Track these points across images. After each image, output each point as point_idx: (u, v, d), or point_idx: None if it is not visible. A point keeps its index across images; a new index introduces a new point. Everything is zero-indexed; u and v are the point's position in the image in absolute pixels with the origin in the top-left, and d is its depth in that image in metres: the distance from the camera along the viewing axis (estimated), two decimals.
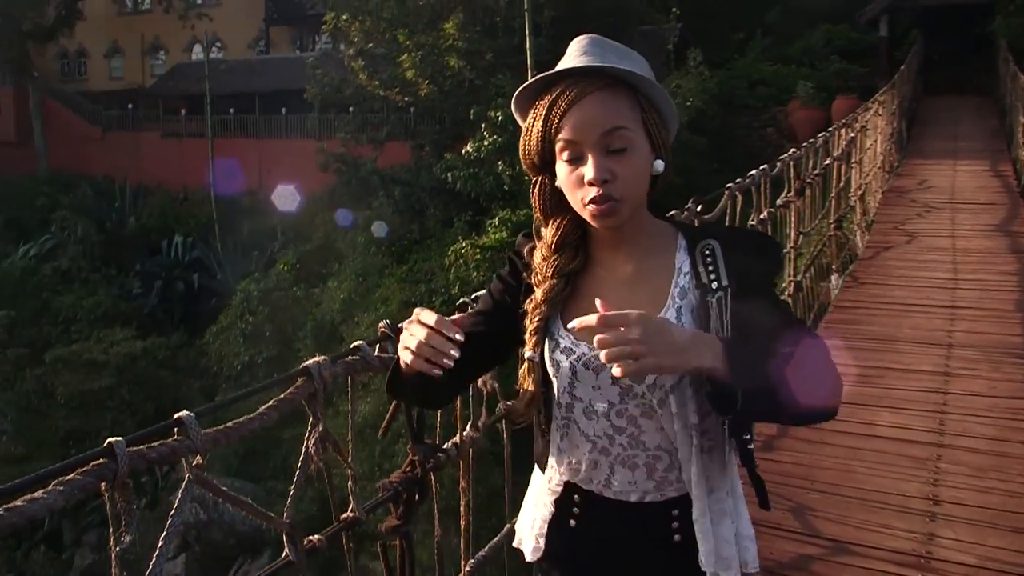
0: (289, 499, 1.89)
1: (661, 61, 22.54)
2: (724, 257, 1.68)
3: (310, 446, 1.86)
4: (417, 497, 2.24)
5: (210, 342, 22.03)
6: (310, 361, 1.86)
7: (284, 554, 1.91)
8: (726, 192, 5.17)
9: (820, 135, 8.50)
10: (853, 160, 10.26)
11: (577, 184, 1.63)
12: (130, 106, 36.55)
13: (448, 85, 22.46)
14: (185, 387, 22.17)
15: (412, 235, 21.24)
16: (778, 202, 6.53)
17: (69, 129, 36.89)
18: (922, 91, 22.67)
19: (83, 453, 1.46)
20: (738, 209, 5.27)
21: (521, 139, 1.70)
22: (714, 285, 1.65)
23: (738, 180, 5.40)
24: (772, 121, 22.47)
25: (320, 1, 24.78)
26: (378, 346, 2.09)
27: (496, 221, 18.20)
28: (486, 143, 19.64)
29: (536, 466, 1.91)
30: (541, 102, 1.65)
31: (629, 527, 1.75)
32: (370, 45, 23.96)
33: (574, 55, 1.66)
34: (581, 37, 1.71)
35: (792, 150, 7.02)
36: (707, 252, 1.69)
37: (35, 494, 1.32)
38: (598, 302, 1.43)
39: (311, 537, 1.95)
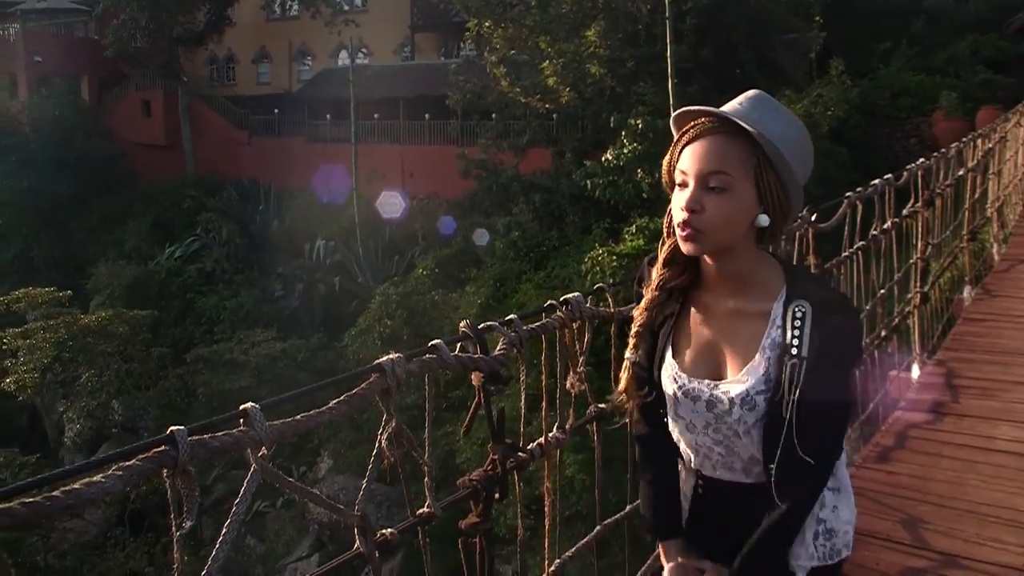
0: (361, 492, 1.90)
1: (803, 70, 22.02)
2: (812, 325, 1.83)
3: (382, 442, 1.87)
4: (497, 495, 2.24)
5: (348, 344, 22.16)
6: (384, 358, 1.86)
7: (355, 546, 1.91)
8: (845, 201, 4.96)
9: (953, 145, 8.18)
10: (991, 171, 9.99)
11: (676, 208, 1.85)
12: (276, 111, 37.35)
13: (589, 92, 22.46)
14: (323, 389, 22.33)
15: (551, 241, 21.29)
16: (904, 212, 6.34)
17: (216, 133, 37.94)
18: None
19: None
20: (858, 219, 5.10)
21: (664, 162, 1.94)
22: (794, 351, 1.82)
23: (859, 189, 5.17)
24: (915, 132, 21.77)
25: (464, 8, 24.86)
26: (458, 346, 2.08)
27: (634, 229, 18.14)
28: (626, 151, 19.66)
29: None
30: (679, 135, 1.89)
31: (742, 500, 1.99)
32: (512, 52, 24.11)
33: (731, 103, 1.87)
34: (750, 93, 1.91)
35: (920, 160, 6.76)
36: (798, 314, 1.84)
37: (94, 478, 1.34)
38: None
39: (383, 531, 1.94)
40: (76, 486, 1.32)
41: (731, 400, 1.88)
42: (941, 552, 3.71)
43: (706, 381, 1.93)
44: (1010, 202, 11.15)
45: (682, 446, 2.07)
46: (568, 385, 2.55)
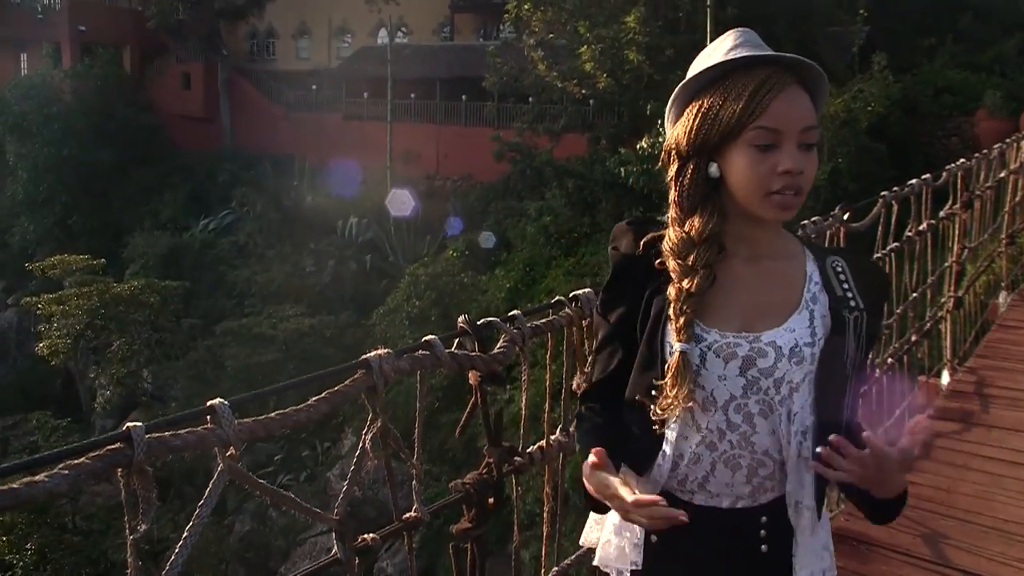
0: (341, 495, 1.81)
1: (845, 64, 21.76)
2: (855, 279, 1.76)
3: (366, 442, 1.76)
4: (492, 501, 2.13)
5: (376, 323, 22.23)
6: (372, 353, 1.74)
7: (333, 551, 1.85)
8: (880, 200, 4.85)
9: (995, 146, 7.98)
10: None
11: (767, 173, 1.62)
12: (314, 87, 37.34)
13: (627, 79, 22.38)
14: None
15: (582, 228, 21.27)
16: (941, 214, 6.18)
17: (254, 107, 37.98)
18: None
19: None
20: (893, 219, 4.98)
21: (694, 120, 1.68)
22: (852, 303, 1.73)
23: (894, 189, 5.07)
24: (956, 130, 21.38)
25: None
26: (456, 342, 1.97)
27: (666, 219, 17.75)
28: (662, 139, 19.02)
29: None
30: (736, 84, 1.64)
31: (716, 536, 1.76)
32: (551, 36, 24.01)
33: (748, 46, 1.67)
34: (740, 30, 1.72)
35: (960, 160, 6.59)
36: (838, 268, 1.77)
37: (37, 477, 1.27)
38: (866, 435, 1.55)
39: (365, 536, 1.87)
40: (15, 486, 1.26)
41: (779, 351, 1.68)
42: (963, 570, 3.61)
43: (744, 334, 1.70)
44: None
45: (666, 449, 1.76)
46: (575, 386, 2.42)
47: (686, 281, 1.69)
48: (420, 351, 1.87)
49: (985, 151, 7.62)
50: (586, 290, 2.37)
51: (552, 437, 2.45)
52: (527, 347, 2.16)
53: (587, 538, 2.03)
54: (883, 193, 4.94)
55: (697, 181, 1.70)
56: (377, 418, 1.78)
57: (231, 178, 33.36)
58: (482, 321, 2.03)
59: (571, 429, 2.40)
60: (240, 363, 22.08)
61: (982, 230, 7.62)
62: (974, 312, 7.30)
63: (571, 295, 2.33)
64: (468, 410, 2.11)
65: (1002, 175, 8.03)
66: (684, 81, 1.70)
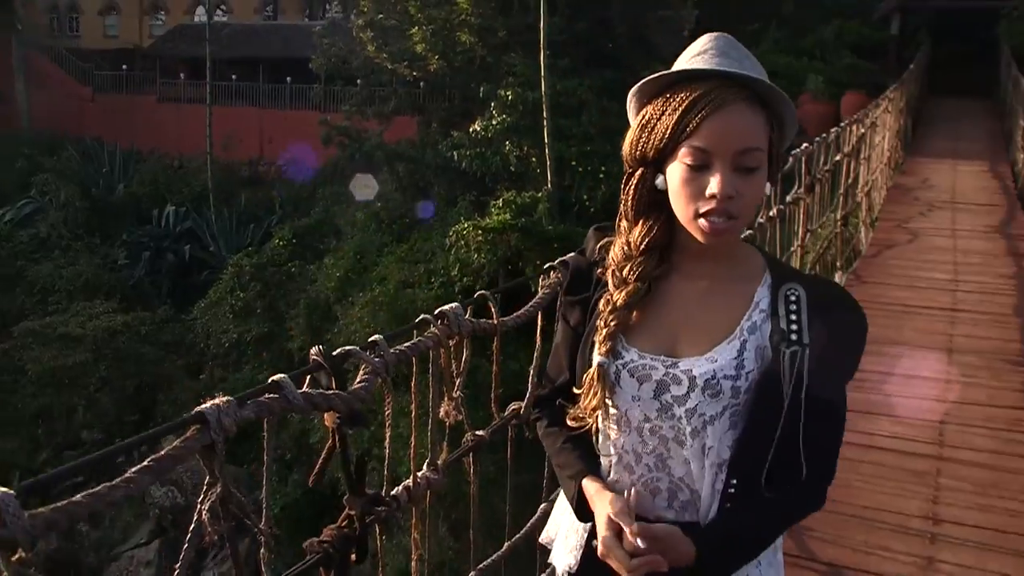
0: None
1: (677, 47, 21.92)
2: (811, 311, 1.62)
3: (204, 512, 1.45)
4: (355, 558, 1.87)
5: (198, 317, 21.61)
6: (208, 404, 1.42)
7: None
8: None
9: (832, 130, 8.47)
10: (862, 156, 10.30)
11: (696, 194, 1.56)
12: (124, 67, 35.92)
13: (459, 61, 22.26)
14: (169, 364, 21.69)
15: (415, 213, 20.99)
16: (788, 199, 6.43)
17: (56, 87, 35.93)
18: (927, 91, 23.13)
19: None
20: None
21: (636, 130, 1.64)
22: (793, 336, 1.60)
23: None
24: None
25: None
26: (308, 378, 1.68)
27: (500, 203, 17.88)
28: (495, 122, 19.46)
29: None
30: (676, 97, 1.57)
31: None
32: (380, 16, 23.59)
33: (710, 54, 1.59)
34: (716, 35, 1.65)
35: (804, 145, 6.88)
36: (792, 298, 1.64)
37: None
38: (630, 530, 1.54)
39: None
40: None
41: (692, 381, 1.59)
42: (828, 563, 3.70)
43: (662, 357, 1.64)
44: (876, 185, 11.57)
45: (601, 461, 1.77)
46: (442, 414, 2.17)
47: (617, 293, 1.67)
48: (267, 394, 1.55)
49: (824, 134, 7.95)
50: (452, 305, 2.11)
51: (420, 474, 2.14)
52: (391, 376, 1.86)
53: (546, 534, 2.01)
54: None
55: (642, 191, 1.65)
56: (216, 483, 1.45)
57: (30, 164, 30.98)
58: (338, 351, 1.74)
59: (439, 462, 2.18)
60: (43, 367, 20.74)
61: (822, 212, 8.07)
62: None
63: (436, 312, 2.07)
64: (324, 456, 1.81)
65: (838, 158, 8.43)
66: (639, 84, 1.64)
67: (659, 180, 1.60)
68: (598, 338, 1.67)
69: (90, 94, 35.83)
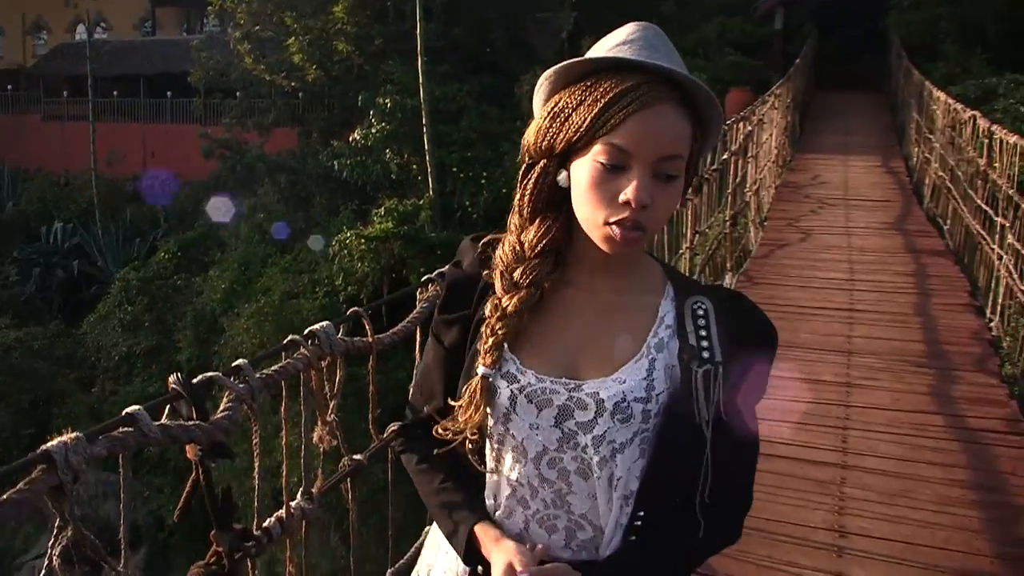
0: None
1: (555, 50, 22.39)
2: (717, 327, 1.48)
3: (54, 558, 1.33)
4: None
5: (88, 332, 21.36)
6: (54, 441, 1.33)
7: None
8: None
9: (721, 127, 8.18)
10: (749, 155, 9.89)
11: (607, 199, 1.38)
12: (9, 87, 35.33)
13: (336, 70, 22.30)
14: (62, 378, 21.29)
15: (297, 223, 20.94)
16: None
17: None
18: (815, 86, 22.64)
19: None
20: None
21: (546, 119, 1.44)
22: (704, 354, 1.45)
23: None
24: None
25: None
26: (167, 408, 1.59)
27: (382, 211, 17.99)
28: (374, 130, 19.51)
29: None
30: (598, 87, 1.38)
31: None
32: (257, 28, 23.53)
33: (638, 45, 1.41)
34: (643, 24, 1.47)
35: None
36: (699, 312, 1.50)
37: None
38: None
39: None
40: None
41: (600, 405, 1.42)
42: None
43: (563, 380, 1.45)
44: (765, 184, 11.23)
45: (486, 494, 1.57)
46: (316, 439, 2.06)
47: (507, 298, 1.47)
48: (121, 428, 1.48)
49: None
50: (324, 324, 2.03)
51: (293, 503, 2.04)
52: (258, 402, 1.78)
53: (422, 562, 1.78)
54: None
55: (541, 187, 1.46)
56: (67, 525, 1.35)
57: None
58: (199, 379, 1.67)
59: (314, 490, 2.09)
60: None
61: (710, 213, 7.73)
62: None
63: (306, 332, 1.99)
64: (187, 491, 1.71)
65: (725, 157, 8.06)
66: (551, 69, 1.44)
67: (562, 176, 1.44)
68: (483, 347, 1.48)
69: None
